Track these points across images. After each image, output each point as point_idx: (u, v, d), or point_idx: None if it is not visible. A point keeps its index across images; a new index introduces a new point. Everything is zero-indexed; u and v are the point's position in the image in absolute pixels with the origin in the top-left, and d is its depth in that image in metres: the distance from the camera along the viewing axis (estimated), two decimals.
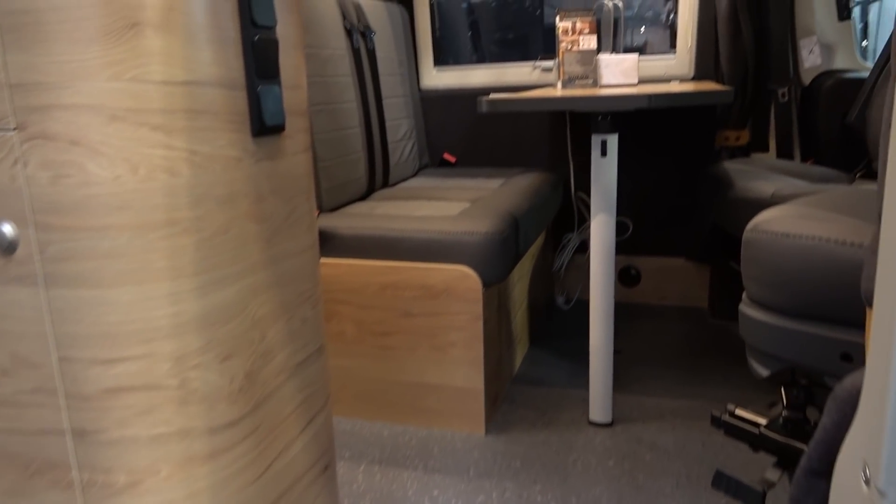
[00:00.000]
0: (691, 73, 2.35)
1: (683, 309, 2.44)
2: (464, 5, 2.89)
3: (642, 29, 2.57)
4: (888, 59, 1.90)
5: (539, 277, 2.27)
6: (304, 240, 0.92)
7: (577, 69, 1.99)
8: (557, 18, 1.98)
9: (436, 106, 2.61)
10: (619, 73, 2.09)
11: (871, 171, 1.95)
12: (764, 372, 0.93)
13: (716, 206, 1.84)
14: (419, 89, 2.63)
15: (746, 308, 0.96)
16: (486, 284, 1.55)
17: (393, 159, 2.26)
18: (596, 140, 1.46)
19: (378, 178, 2.15)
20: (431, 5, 2.61)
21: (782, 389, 1.05)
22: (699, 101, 1.36)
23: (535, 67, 2.55)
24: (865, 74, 2.06)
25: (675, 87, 1.78)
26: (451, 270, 1.54)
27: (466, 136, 2.60)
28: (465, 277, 1.53)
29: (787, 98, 2.12)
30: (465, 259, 1.53)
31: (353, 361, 1.68)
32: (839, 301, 0.80)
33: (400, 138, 2.33)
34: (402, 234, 1.58)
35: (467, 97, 2.57)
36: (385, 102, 2.22)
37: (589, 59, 1.98)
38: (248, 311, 0.81)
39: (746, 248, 0.95)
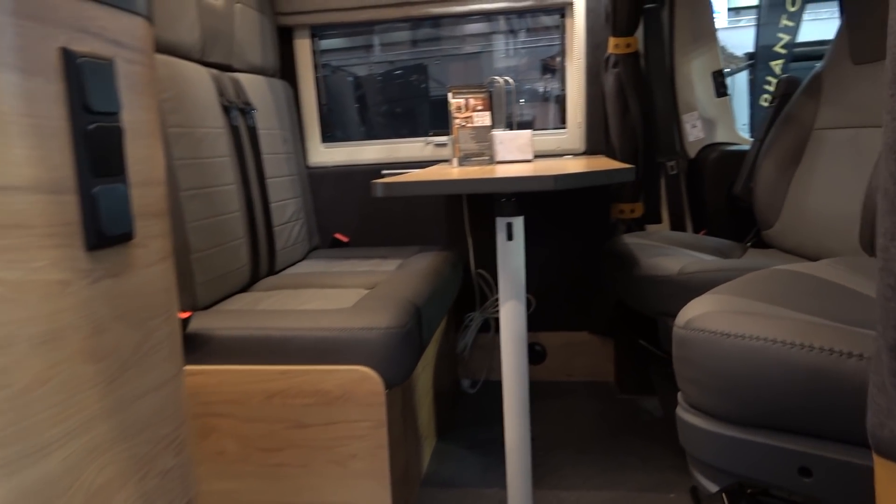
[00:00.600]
0: (583, 148, 2.37)
1: (591, 384, 2.38)
2: (350, 79, 2.81)
3: (532, 104, 2.59)
4: (767, 133, 1.99)
5: (443, 362, 2.13)
6: (163, 372, 0.73)
7: (472, 146, 1.93)
8: (450, 95, 1.92)
9: (325, 183, 2.46)
10: (515, 150, 2.05)
11: (760, 240, 1.99)
12: (712, 488, 0.82)
13: (619, 282, 1.79)
14: (307, 166, 2.49)
15: (685, 414, 0.86)
16: (390, 385, 1.38)
17: (279, 243, 2.07)
18: (501, 223, 1.36)
19: (263, 265, 1.95)
20: (317, 80, 2.50)
21: (724, 497, 0.95)
22: (603, 181, 1.31)
23: (427, 143, 2.48)
24: (745, 147, 2.15)
25: (571, 164, 1.75)
26: (349, 372, 1.36)
27: (359, 214, 2.46)
28: (364, 379, 1.36)
29: (675, 171, 2.16)
30: (364, 359, 1.36)
31: (237, 484, 1.44)
32: (795, 409, 0.72)
33: (286, 220, 2.15)
34: (290, 332, 1.39)
35: (358, 174, 2.45)
36: (269, 182, 2.05)
37: (484, 135, 1.93)
38: (81, 483, 0.60)
39: (680, 346, 0.86)
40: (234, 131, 1.87)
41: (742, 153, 2.09)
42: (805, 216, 1.78)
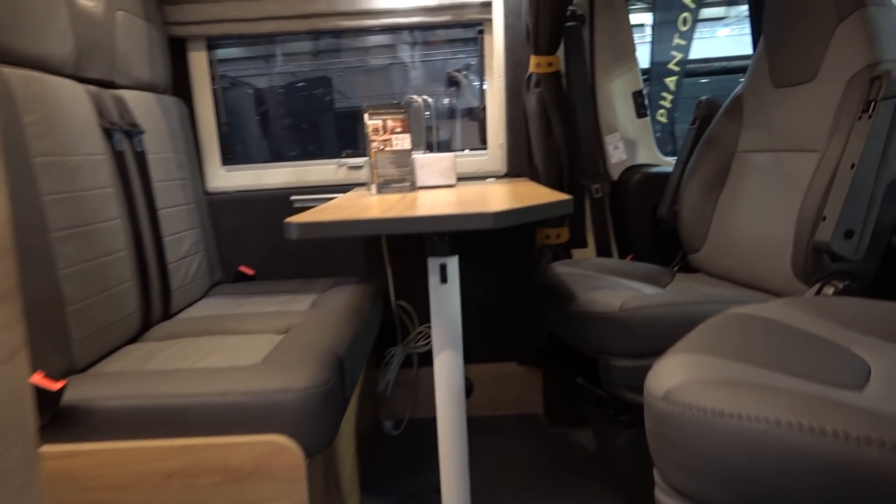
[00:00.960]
0: (504, 170, 2.27)
1: (520, 417, 2.27)
2: (250, 92, 2.59)
3: (447, 121, 2.47)
4: (690, 154, 1.95)
5: (364, 406, 1.95)
6: None
7: (392, 172, 1.78)
8: (366, 116, 1.76)
9: (227, 211, 2.23)
10: (437, 174, 1.92)
11: (686, 264, 1.96)
12: None
13: (553, 317, 1.69)
14: (206, 192, 2.25)
15: (667, 499, 0.75)
16: (310, 454, 1.20)
17: (175, 282, 1.83)
18: (433, 264, 1.22)
19: (156, 309, 1.71)
20: (215, 95, 2.27)
21: None
22: (543, 216, 1.20)
23: (340, 165, 2.30)
24: (667, 169, 2.11)
25: (499, 191, 1.63)
26: (263, 444, 1.17)
27: (265, 244, 2.25)
28: (281, 451, 1.17)
29: (600, 194, 2.10)
30: (280, 426, 1.17)
31: None
32: (803, 501, 0.62)
33: (183, 255, 1.91)
34: (190, 399, 1.18)
35: (264, 200, 2.23)
36: (161, 214, 1.80)
37: (404, 160, 1.78)
38: None
39: (659, 422, 0.75)
40: (118, 157, 1.62)
41: (664, 175, 2.06)
42: (732, 241, 1.75)
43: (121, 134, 1.65)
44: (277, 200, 2.22)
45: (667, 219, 1.97)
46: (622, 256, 2.15)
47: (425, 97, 1.96)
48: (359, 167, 2.30)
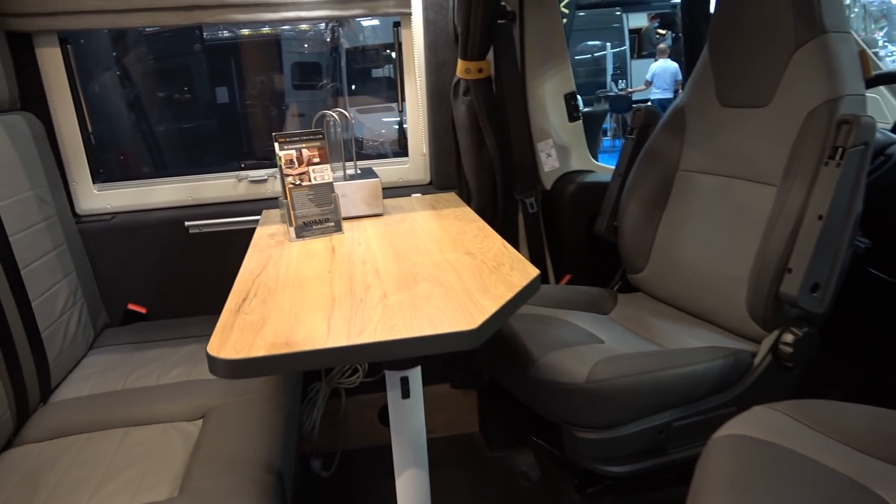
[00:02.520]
0: (428, 178, 2.06)
1: (456, 439, 2.16)
2: (125, 95, 2.18)
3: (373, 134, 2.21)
4: (629, 166, 1.84)
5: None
6: None
7: (312, 211, 1.53)
8: (277, 146, 1.49)
9: (106, 239, 1.88)
10: (362, 203, 1.69)
11: (627, 283, 1.87)
12: None
13: (505, 373, 1.54)
14: (76, 218, 1.88)
15: None
16: None
17: (52, 351, 1.52)
18: (393, 378, 1.03)
19: (32, 393, 1.40)
20: (77, 102, 1.87)
21: None
22: (523, 302, 1.03)
23: (239, 178, 2.00)
24: (603, 177, 2.00)
25: (434, 228, 1.45)
26: None
27: (157, 274, 1.93)
28: None
29: (535, 209, 1.96)
30: None
31: None
32: None
33: (59, 314, 1.59)
34: None
35: (152, 223, 1.90)
36: (25, 274, 1.46)
37: (326, 195, 1.54)
38: None
39: None
40: None
41: (600, 185, 1.94)
42: (677, 267, 1.68)
43: None
44: (168, 223, 1.90)
45: (606, 235, 1.87)
46: (558, 275, 2.03)
47: (343, 112, 1.70)
48: (262, 180, 2.01)
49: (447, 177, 2.00)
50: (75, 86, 1.85)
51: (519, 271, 1.12)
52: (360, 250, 1.39)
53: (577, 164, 2.07)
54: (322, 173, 1.54)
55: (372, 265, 1.26)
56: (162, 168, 2.18)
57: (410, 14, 1.89)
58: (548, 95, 2.00)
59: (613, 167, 2.05)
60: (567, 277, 1.98)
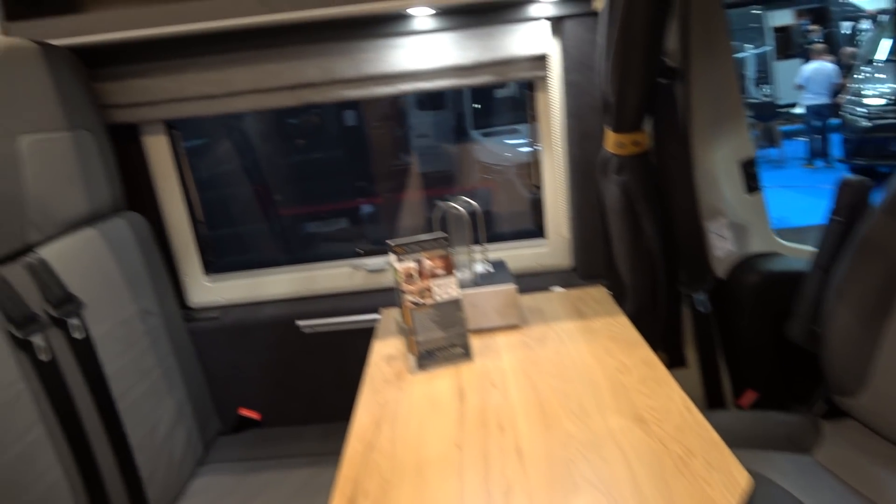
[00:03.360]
0: (571, 264, 1.75)
1: None
2: (229, 168, 2.05)
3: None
4: (834, 256, 1.42)
5: None
6: None
7: (436, 336, 1.27)
8: (393, 258, 1.24)
9: (216, 337, 1.73)
10: (494, 314, 1.41)
11: (832, 405, 1.45)
12: None
13: None
14: (186, 309, 1.75)
15: None
16: None
17: (153, 490, 1.36)
18: None
19: None
20: (187, 191, 1.73)
21: None
22: None
23: (356, 267, 1.79)
24: (793, 264, 1.58)
25: (587, 359, 1.13)
26: None
27: (269, 375, 1.76)
28: None
29: (707, 308, 1.58)
30: None
31: None
32: None
33: (163, 440, 1.43)
34: None
35: (264, 320, 1.73)
36: (123, 409, 1.31)
37: (452, 315, 1.27)
38: None
39: None
40: (45, 373, 1.12)
41: (793, 274, 1.53)
42: None
43: (43, 332, 1.14)
44: (280, 322, 1.72)
45: (805, 343, 1.46)
46: (736, 387, 1.64)
47: (468, 200, 1.42)
48: (381, 270, 1.78)
49: (593, 264, 1.67)
50: (182, 172, 1.71)
51: (720, 474, 0.79)
52: (496, 398, 1.10)
53: (758, 245, 1.66)
54: (447, 289, 1.27)
55: (511, 436, 0.97)
56: (268, 253, 2.02)
57: (545, 77, 1.59)
58: (719, 164, 1.62)
59: (805, 247, 1.63)
60: (750, 396, 1.58)
